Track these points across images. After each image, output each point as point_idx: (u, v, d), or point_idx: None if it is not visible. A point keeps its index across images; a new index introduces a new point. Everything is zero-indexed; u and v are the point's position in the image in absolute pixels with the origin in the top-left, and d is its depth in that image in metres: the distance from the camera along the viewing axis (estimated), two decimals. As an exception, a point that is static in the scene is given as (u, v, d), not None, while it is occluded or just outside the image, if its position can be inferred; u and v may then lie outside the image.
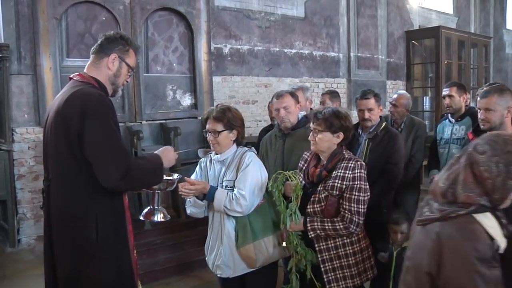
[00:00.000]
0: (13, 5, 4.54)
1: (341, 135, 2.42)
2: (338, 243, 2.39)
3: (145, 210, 2.32)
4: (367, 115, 3.23)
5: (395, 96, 4.18)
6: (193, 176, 2.61)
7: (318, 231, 2.34)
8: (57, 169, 1.96)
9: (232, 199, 2.37)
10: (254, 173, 2.44)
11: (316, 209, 2.38)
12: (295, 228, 2.36)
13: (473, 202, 1.40)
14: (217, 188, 2.43)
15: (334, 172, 2.38)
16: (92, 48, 2.12)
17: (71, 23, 4.89)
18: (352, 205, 2.32)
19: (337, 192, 2.35)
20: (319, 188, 2.40)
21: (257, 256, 2.41)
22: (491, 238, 1.37)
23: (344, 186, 2.34)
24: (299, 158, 2.70)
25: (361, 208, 2.33)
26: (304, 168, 2.57)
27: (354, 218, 2.31)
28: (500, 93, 2.42)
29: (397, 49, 8.81)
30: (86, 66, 2.11)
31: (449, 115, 3.80)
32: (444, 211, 1.43)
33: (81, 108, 1.86)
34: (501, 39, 11.66)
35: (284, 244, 2.43)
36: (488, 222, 1.39)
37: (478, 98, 2.59)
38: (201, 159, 2.70)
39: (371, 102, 3.22)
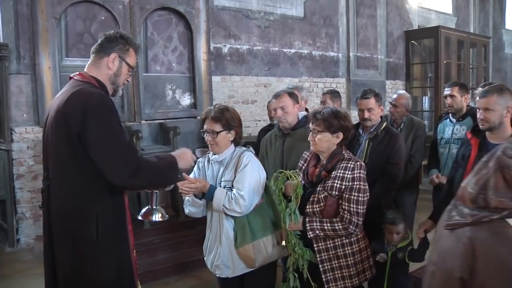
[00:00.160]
0: (12, 4, 4.53)
1: (341, 135, 2.42)
2: (337, 243, 2.39)
3: (143, 210, 2.32)
4: (367, 115, 3.23)
5: (394, 96, 4.17)
6: (191, 176, 2.59)
7: (317, 231, 2.34)
8: (58, 168, 1.96)
9: (231, 198, 2.36)
10: (253, 173, 2.43)
11: (315, 209, 2.38)
12: (294, 227, 2.36)
13: (506, 207, 1.38)
14: (216, 187, 2.41)
15: (333, 173, 2.38)
16: (92, 48, 2.12)
17: (70, 22, 4.89)
18: (352, 205, 2.32)
19: (337, 193, 2.34)
20: (318, 189, 2.40)
21: (256, 256, 2.41)
22: None
23: (343, 187, 2.34)
24: (298, 158, 2.70)
25: (360, 209, 2.33)
26: (303, 168, 2.57)
27: (353, 219, 2.31)
28: (499, 92, 2.42)
29: (397, 49, 8.81)
30: (86, 66, 2.10)
31: (450, 115, 3.80)
32: (476, 216, 1.41)
33: (82, 108, 1.85)
34: (500, 39, 11.67)
35: (283, 243, 2.43)
36: None
37: (477, 98, 2.59)
38: (198, 159, 2.69)
39: (371, 102, 3.21)
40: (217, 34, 6.12)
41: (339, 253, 2.39)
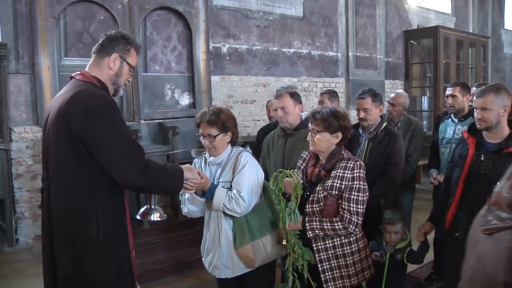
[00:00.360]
0: (11, 4, 4.53)
1: (340, 135, 2.42)
2: (336, 243, 2.39)
3: (142, 210, 2.33)
4: (362, 114, 3.22)
5: (392, 95, 4.17)
6: None
7: (317, 231, 2.34)
8: (59, 168, 1.95)
9: (232, 198, 2.34)
10: (251, 173, 2.42)
11: (314, 209, 2.38)
12: (293, 227, 2.36)
13: None
14: (217, 186, 2.39)
15: (333, 172, 2.38)
16: (94, 48, 2.11)
17: (69, 22, 4.88)
18: (351, 205, 2.32)
19: (336, 192, 2.34)
20: (317, 188, 2.40)
21: (256, 256, 2.40)
22: None
23: (343, 186, 2.34)
24: None
25: (360, 209, 2.33)
26: (302, 167, 2.57)
27: (353, 218, 2.31)
28: (496, 92, 2.41)
29: (396, 48, 8.82)
30: (87, 66, 2.10)
31: (452, 115, 3.79)
32: None
33: (85, 108, 1.85)
34: (499, 39, 11.68)
35: (284, 242, 2.43)
36: None
37: (474, 98, 2.59)
38: (194, 160, 2.66)
39: (367, 102, 3.19)
40: (216, 34, 6.12)
41: (338, 253, 2.39)
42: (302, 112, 3.12)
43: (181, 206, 2.57)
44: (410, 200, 4.03)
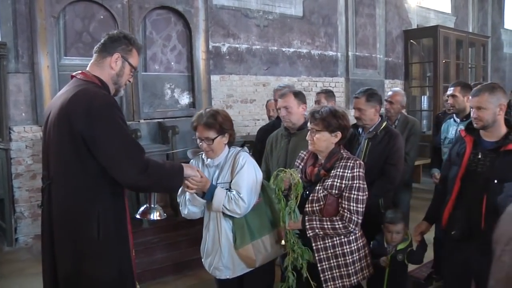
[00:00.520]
0: (11, 3, 4.53)
1: (339, 134, 2.42)
2: (335, 242, 2.39)
3: (142, 209, 2.32)
4: (357, 113, 3.21)
5: (390, 93, 4.19)
6: None
7: (317, 230, 2.34)
8: (59, 167, 1.95)
9: (231, 199, 2.33)
10: (250, 173, 2.41)
11: (314, 208, 2.38)
12: (293, 226, 2.36)
13: None
14: (216, 187, 2.37)
15: (333, 171, 2.38)
16: (95, 47, 2.11)
17: (68, 21, 4.88)
18: (352, 204, 2.32)
19: (336, 191, 2.35)
20: (317, 187, 2.40)
21: (256, 256, 2.39)
22: None
23: (343, 185, 2.34)
24: None
25: (360, 207, 2.34)
26: (301, 167, 2.57)
27: (353, 217, 2.32)
28: (491, 91, 2.42)
29: (395, 48, 8.82)
30: (89, 65, 2.10)
31: (454, 115, 3.79)
32: None
33: (86, 108, 1.85)
34: (499, 39, 11.68)
35: (283, 242, 2.42)
36: None
37: (470, 97, 2.60)
38: (191, 161, 2.63)
39: (361, 101, 3.17)
40: (216, 33, 6.12)
41: (338, 252, 2.39)
42: (306, 112, 3.11)
43: (180, 208, 2.53)
44: (407, 199, 4.04)
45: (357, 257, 2.44)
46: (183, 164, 2.18)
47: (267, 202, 2.51)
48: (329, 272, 2.38)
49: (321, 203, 2.36)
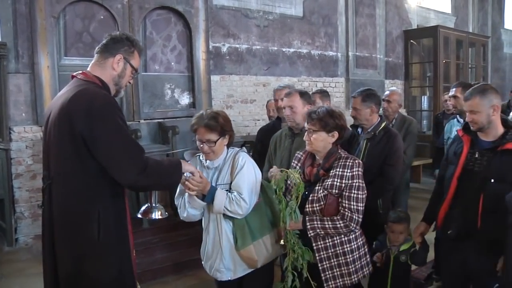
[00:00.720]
0: (11, 3, 4.53)
1: (336, 134, 2.43)
2: (335, 241, 2.40)
3: (143, 208, 2.33)
4: (353, 113, 3.25)
5: (387, 92, 4.26)
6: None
7: (318, 230, 2.34)
8: (60, 167, 1.95)
9: (232, 200, 2.32)
10: (250, 173, 2.41)
11: (315, 208, 2.38)
12: (294, 226, 2.36)
13: None
14: (216, 188, 2.35)
15: (332, 171, 2.39)
16: (97, 48, 2.11)
17: (69, 21, 4.88)
18: (352, 203, 2.34)
19: (337, 191, 2.36)
20: (317, 188, 2.40)
21: (258, 256, 2.39)
22: None
23: (343, 185, 2.35)
24: None
25: (360, 206, 2.35)
26: (298, 167, 2.57)
27: (354, 216, 2.33)
28: (482, 94, 2.42)
29: (395, 48, 8.82)
30: (90, 65, 2.10)
31: (457, 115, 3.80)
32: None
33: (87, 108, 1.85)
34: (499, 39, 11.68)
35: (282, 242, 2.42)
36: None
37: (463, 101, 2.61)
38: (188, 162, 2.56)
39: (356, 101, 3.19)
40: (216, 33, 6.12)
41: (338, 251, 2.40)
42: None
43: (179, 211, 2.49)
44: (405, 198, 4.04)
45: (357, 255, 2.45)
46: (181, 160, 2.17)
47: (266, 202, 2.50)
48: (329, 272, 2.39)
49: (322, 203, 2.37)
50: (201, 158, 2.52)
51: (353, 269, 2.41)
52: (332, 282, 2.38)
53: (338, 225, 2.33)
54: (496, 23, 11.55)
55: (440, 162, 3.87)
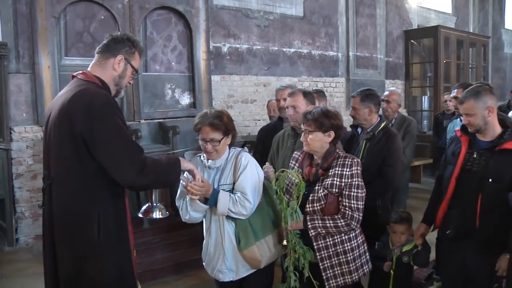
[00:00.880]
0: (11, 3, 4.53)
1: (332, 133, 2.44)
2: (336, 240, 2.41)
3: (144, 207, 2.32)
4: (352, 112, 3.25)
5: (386, 92, 4.28)
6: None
7: (319, 229, 2.35)
8: (60, 167, 1.95)
9: (236, 201, 2.31)
10: (253, 174, 2.40)
11: (315, 208, 2.38)
12: (295, 226, 2.37)
13: None
14: (219, 191, 2.33)
15: (331, 171, 2.40)
16: (97, 48, 2.11)
17: (69, 21, 4.88)
18: (352, 201, 2.35)
19: (337, 190, 2.37)
20: (316, 187, 2.41)
21: (262, 256, 2.38)
22: None
23: (343, 184, 2.36)
24: None
25: (360, 205, 2.37)
26: (296, 168, 2.58)
27: (355, 215, 2.34)
28: (475, 96, 2.42)
29: (396, 48, 8.82)
30: (90, 65, 2.10)
31: (460, 116, 3.80)
32: None
33: (87, 108, 1.85)
34: (500, 39, 11.68)
35: (284, 242, 2.42)
36: None
37: (458, 104, 2.61)
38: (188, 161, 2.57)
39: (355, 101, 3.20)
40: (217, 34, 6.12)
41: (339, 250, 2.41)
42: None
43: (180, 213, 2.46)
44: (404, 198, 4.05)
45: (357, 253, 2.46)
46: (180, 158, 2.16)
47: (268, 202, 2.50)
48: (330, 271, 2.39)
49: (322, 202, 2.37)
50: (202, 158, 2.50)
51: (354, 267, 2.42)
52: (333, 281, 2.39)
53: (340, 224, 2.34)
54: (497, 23, 11.55)
55: None
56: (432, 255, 2.91)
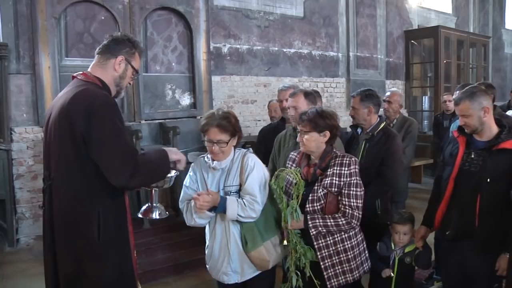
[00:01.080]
0: (12, 4, 4.53)
1: (328, 133, 2.45)
2: (336, 239, 2.42)
3: (144, 208, 2.31)
4: (351, 112, 3.25)
5: (388, 93, 4.29)
6: (187, 181, 2.49)
7: (320, 228, 2.36)
8: (60, 168, 1.95)
9: (245, 205, 2.30)
10: (260, 175, 2.40)
11: (315, 207, 2.39)
12: (295, 226, 2.37)
13: None
14: (226, 198, 2.32)
15: (329, 170, 2.42)
16: (98, 48, 2.11)
17: (70, 22, 4.89)
18: (352, 200, 2.37)
19: (336, 189, 2.38)
20: (315, 187, 2.42)
21: (270, 257, 2.38)
22: None
23: (342, 183, 2.38)
24: None
25: (360, 203, 2.39)
26: (293, 168, 2.58)
27: (355, 213, 2.36)
28: (470, 97, 2.42)
29: (396, 48, 8.81)
30: (90, 66, 2.10)
31: None
32: None
33: (86, 108, 1.86)
34: (500, 39, 11.67)
35: (285, 242, 2.42)
36: None
37: (454, 105, 2.62)
38: (192, 165, 2.54)
39: (355, 100, 3.20)
40: (217, 34, 6.12)
41: (339, 249, 2.42)
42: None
43: (184, 216, 2.43)
44: (403, 199, 4.05)
45: (357, 252, 2.48)
46: (166, 149, 2.13)
47: (272, 202, 2.50)
48: (331, 270, 2.41)
49: (322, 201, 2.39)
50: (206, 159, 2.47)
51: (354, 265, 2.44)
52: (335, 279, 2.41)
53: (340, 223, 2.35)
54: (497, 23, 11.54)
55: None
56: (432, 256, 2.91)
